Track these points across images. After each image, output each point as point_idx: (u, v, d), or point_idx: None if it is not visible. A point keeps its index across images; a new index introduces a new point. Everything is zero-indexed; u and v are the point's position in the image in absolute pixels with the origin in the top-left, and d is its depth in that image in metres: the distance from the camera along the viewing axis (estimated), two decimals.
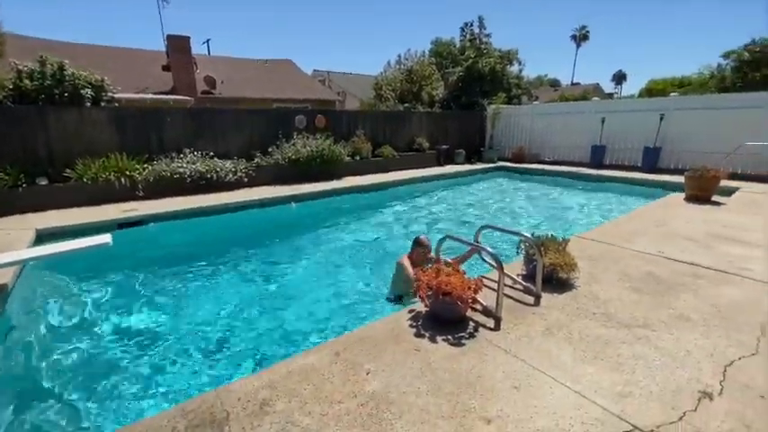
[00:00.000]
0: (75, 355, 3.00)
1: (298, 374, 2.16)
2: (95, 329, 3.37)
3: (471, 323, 2.68)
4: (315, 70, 30.73)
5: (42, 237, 5.22)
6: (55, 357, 2.95)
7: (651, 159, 10.38)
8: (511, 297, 3.04)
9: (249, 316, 3.65)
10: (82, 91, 7.52)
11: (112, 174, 7.11)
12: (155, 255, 5.23)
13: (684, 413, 1.85)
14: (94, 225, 5.67)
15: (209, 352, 3.10)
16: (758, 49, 22.57)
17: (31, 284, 3.97)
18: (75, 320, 3.49)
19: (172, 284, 4.28)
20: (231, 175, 8.18)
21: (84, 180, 6.90)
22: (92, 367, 2.89)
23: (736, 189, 7.46)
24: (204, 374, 2.85)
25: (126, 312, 3.68)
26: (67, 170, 6.98)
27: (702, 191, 6.49)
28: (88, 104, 7.63)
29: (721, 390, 2.01)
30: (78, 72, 7.63)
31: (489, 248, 2.77)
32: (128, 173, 7.25)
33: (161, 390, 2.69)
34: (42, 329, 3.30)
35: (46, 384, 2.64)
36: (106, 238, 4.12)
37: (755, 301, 2.96)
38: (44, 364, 2.85)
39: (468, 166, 12.48)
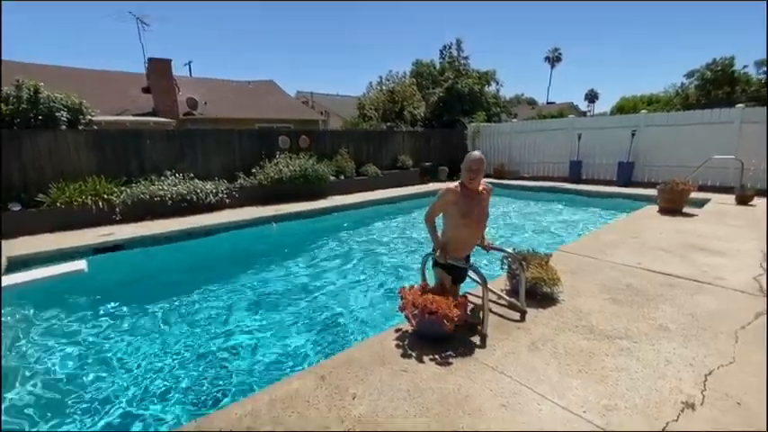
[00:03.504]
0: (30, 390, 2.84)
1: (282, 401, 2.10)
2: (58, 362, 3.21)
3: (458, 341, 2.68)
4: (298, 92, 31.03)
5: (13, 264, 5.00)
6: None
7: (625, 173, 10.76)
8: (496, 313, 3.06)
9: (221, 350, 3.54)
10: (57, 114, 7.39)
11: (89, 198, 6.92)
12: (126, 281, 5.07)
13: (667, 423, 1.88)
14: (68, 251, 5.48)
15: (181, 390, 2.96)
16: (719, 69, 24.04)
17: None
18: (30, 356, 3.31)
19: (141, 313, 4.11)
20: (212, 197, 8.09)
21: (59, 204, 6.70)
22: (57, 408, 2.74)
23: (707, 201, 7.77)
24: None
25: (96, 341, 3.52)
26: (41, 195, 6.77)
27: (674, 203, 6.75)
28: (64, 127, 7.49)
29: (703, 399, 2.05)
30: (54, 95, 7.51)
31: (473, 265, 2.81)
32: (105, 196, 7.08)
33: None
34: None
35: None
36: (81, 264, 3.98)
37: (730, 309, 3.06)
38: None
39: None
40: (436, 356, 2.49)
